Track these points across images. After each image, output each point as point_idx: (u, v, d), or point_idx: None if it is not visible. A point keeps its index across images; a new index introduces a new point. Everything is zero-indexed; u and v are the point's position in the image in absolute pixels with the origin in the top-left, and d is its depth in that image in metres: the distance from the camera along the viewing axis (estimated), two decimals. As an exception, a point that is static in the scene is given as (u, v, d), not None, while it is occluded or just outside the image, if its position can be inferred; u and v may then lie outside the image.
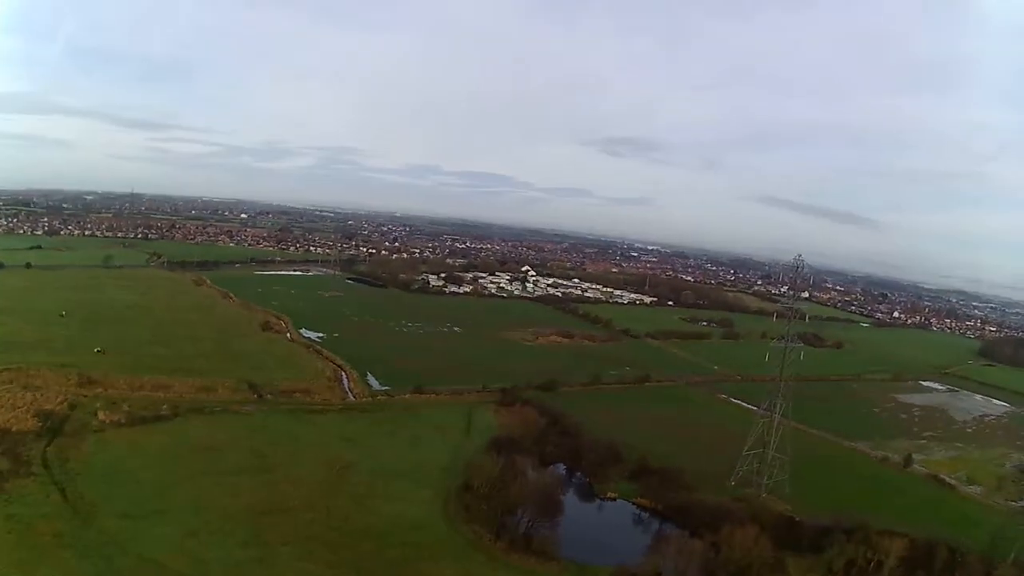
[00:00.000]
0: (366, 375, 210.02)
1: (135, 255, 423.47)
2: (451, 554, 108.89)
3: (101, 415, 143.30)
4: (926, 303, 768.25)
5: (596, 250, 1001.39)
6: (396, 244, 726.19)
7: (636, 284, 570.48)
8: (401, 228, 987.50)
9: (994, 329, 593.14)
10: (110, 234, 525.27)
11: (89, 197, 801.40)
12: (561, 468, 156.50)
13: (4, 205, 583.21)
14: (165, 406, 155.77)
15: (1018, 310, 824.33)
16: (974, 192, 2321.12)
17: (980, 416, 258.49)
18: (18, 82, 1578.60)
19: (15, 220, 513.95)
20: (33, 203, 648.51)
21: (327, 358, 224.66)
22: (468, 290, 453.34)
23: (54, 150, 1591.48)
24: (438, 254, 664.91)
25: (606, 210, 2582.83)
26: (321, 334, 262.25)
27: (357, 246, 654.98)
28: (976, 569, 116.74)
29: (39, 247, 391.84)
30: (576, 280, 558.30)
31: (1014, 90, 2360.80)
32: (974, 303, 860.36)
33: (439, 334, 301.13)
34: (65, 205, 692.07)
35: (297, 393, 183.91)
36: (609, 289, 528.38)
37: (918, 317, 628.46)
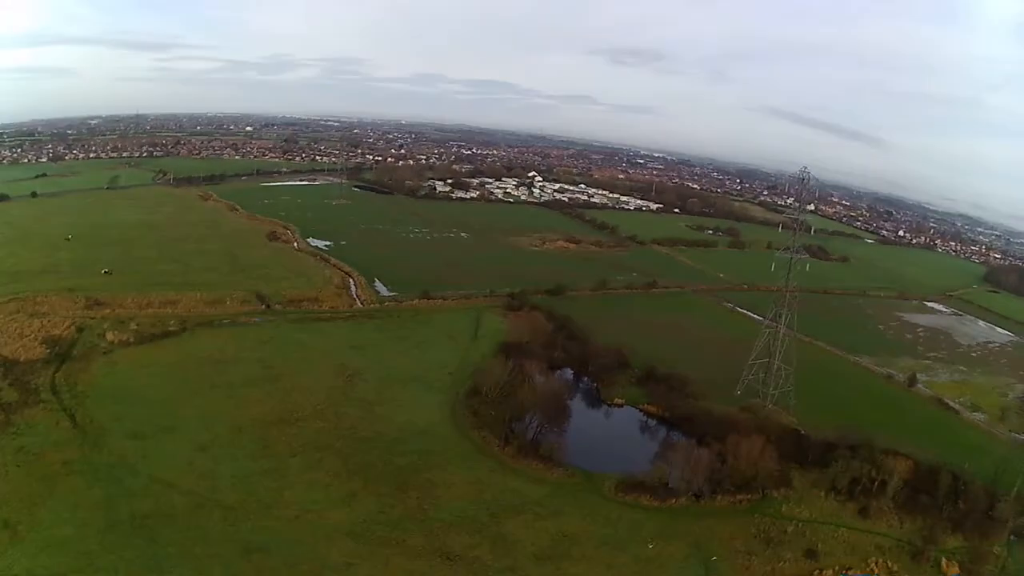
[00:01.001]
0: (373, 282, 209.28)
1: (141, 174, 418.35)
2: (459, 460, 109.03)
3: (109, 336, 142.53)
4: (931, 224, 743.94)
5: (602, 156, 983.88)
6: (402, 151, 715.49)
7: (642, 191, 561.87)
8: (407, 135, 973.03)
9: (999, 256, 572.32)
10: (115, 155, 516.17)
11: (94, 122, 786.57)
12: (568, 373, 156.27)
13: (8, 137, 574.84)
14: (173, 322, 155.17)
15: (1022, 240, 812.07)
16: (978, 120, 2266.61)
17: (984, 342, 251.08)
18: (22, 18, 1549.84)
19: (19, 151, 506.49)
20: (37, 132, 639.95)
21: (335, 266, 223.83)
22: (475, 196, 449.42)
23: (58, 79, 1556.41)
24: (444, 160, 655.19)
25: (612, 117, 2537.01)
26: (328, 242, 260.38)
27: (363, 154, 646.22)
28: (980, 499, 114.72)
29: (44, 175, 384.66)
30: (582, 186, 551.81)
31: (1019, 26, 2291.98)
32: (979, 228, 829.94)
33: (446, 240, 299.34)
34: (69, 131, 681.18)
35: (305, 302, 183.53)
36: (615, 195, 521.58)
37: (923, 237, 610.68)
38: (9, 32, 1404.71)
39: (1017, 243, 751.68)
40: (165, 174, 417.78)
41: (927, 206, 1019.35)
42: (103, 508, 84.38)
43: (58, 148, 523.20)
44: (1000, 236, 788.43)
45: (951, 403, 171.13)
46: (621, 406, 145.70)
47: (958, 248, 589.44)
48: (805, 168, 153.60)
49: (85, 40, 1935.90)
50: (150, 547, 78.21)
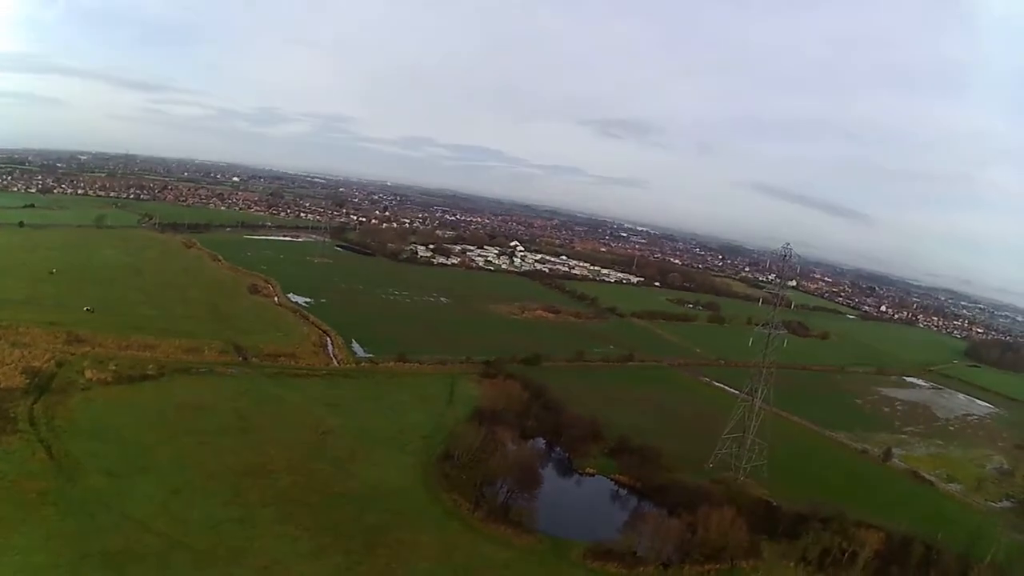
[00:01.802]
0: (351, 342, 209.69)
1: (127, 216, 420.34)
2: (429, 522, 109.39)
3: (88, 373, 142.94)
4: (914, 299, 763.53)
5: (586, 228, 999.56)
6: (386, 213, 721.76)
7: (624, 264, 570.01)
8: (392, 197, 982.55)
9: (981, 331, 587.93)
10: (103, 194, 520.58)
11: (83, 157, 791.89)
12: (541, 442, 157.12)
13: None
14: (151, 366, 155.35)
15: (1007, 313, 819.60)
16: (968, 195, 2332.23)
17: (963, 415, 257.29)
18: (19, 43, 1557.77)
19: (9, 178, 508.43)
20: (28, 162, 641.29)
21: (313, 323, 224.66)
22: (456, 262, 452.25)
23: (50, 109, 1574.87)
24: (428, 225, 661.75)
25: (597, 189, 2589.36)
26: (308, 299, 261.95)
27: (348, 213, 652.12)
28: (952, 568, 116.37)
29: (32, 205, 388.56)
30: (564, 257, 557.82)
31: (1013, 97, 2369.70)
32: (963, 303, 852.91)
33: (425, 304, 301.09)
34: (59, 164, 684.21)
35: (282, 357, 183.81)
36: (597, 268, 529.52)
37: (905, 313, 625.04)
38: (5, 52, 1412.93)
39: (1002, 316, 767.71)
40: (151, 218, 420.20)
41: (911, 281, 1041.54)
42: (76, 540, 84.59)
43: (47, 180, 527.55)
44: (984, 309, 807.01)
45: (926, 475, 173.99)
46: (593, 475, 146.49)
47: (940, 323, 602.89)
48: (787, 244, 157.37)
49: (81, 72, 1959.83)
50: (120, 584, 78.81)
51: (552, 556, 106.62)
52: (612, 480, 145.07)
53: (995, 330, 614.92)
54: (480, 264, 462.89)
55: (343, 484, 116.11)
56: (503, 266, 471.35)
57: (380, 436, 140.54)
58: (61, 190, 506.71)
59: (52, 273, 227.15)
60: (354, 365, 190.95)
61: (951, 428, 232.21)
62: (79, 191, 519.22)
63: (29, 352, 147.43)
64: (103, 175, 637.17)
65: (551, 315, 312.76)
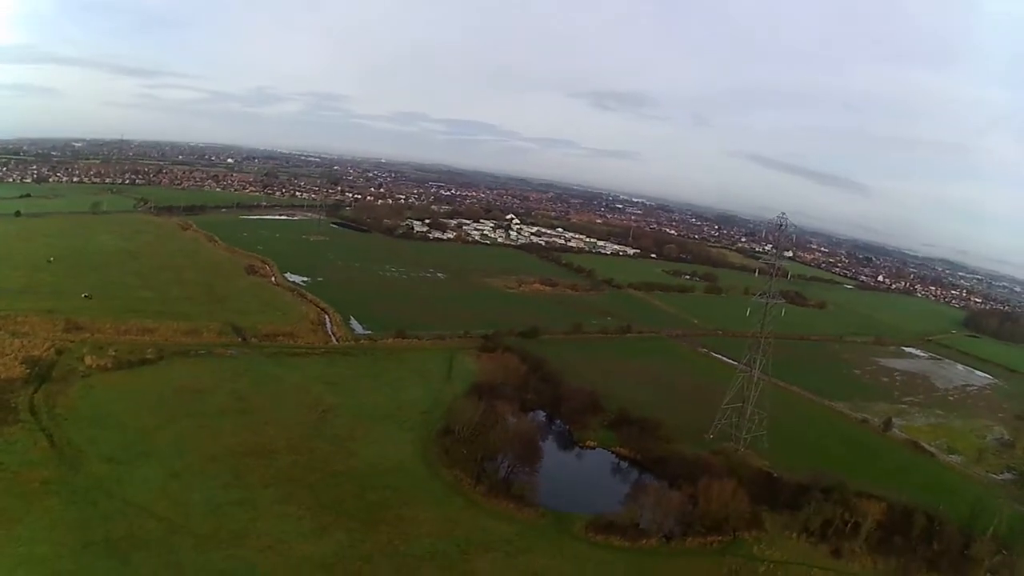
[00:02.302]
0: (349, 319, 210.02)
1: (123, 201, 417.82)
2: (430, 498, 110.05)
3: (88, 360, 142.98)
4: (911, 269, 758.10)
5: (581, 201, 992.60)
6: (381, 190, 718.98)
7: (620, 236, 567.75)
8: (387, 174, 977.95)
9: (979, 300, 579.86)
10: (98, 180, 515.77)
11: (78, 144, 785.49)
12: (541, 415, 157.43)
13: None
14: (150, 350, 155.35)
15: (1004, 283, 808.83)
16: (965, 165, 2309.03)
17: (962, 386, 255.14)
18: (17, 35, 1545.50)
19: (4, 169, 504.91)
20: (23, 152, 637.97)
21: (311, 302, 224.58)
22: (452, 236, 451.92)
23: (46, 99, 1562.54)
24: (423, 200, 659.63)
25: (593, 161, 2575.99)
26: (305, 278, 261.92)
27: (343, 191, 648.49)
28: (954, 539, 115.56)
29: (28, 195, 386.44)
30: (560, 229, 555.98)
31: (1008, 68, 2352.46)
32: (960, 273, 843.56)
33: (422, 280, 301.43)
34: (54, 153, 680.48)
35: (280, 336, 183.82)
36: (593, 239, 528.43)
37: (903, 283, 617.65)
38: (4, 42, 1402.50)
39: (999, 287, 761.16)
40: (147, 202, 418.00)
41: (908, 252, 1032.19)
42: (79, 529, 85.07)
43: (42, 169, 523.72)
44: (982, 280, 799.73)
45: (927, 446, 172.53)
46: (593, 448, 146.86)
47: (938, 293, 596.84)
48: (783, 214, 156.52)
49: (75, 61, 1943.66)
50: (124, 569, 79.21)
51: (554, 530, 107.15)
52: (612, 452, 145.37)
53: (993, 300, 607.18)
54: (476, 238, 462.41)
55: (343, 462, 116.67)
56: (499, 240, 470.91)
57: (379, 413, 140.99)
58: (56, 178, 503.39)
59: (50, 261, 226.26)
60: (353, 343, 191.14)
61: (950, 399, 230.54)
62: (74, 179, 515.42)
63: (28, 341, 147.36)
64: (98, 162, 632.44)
65: (548, 288, 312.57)
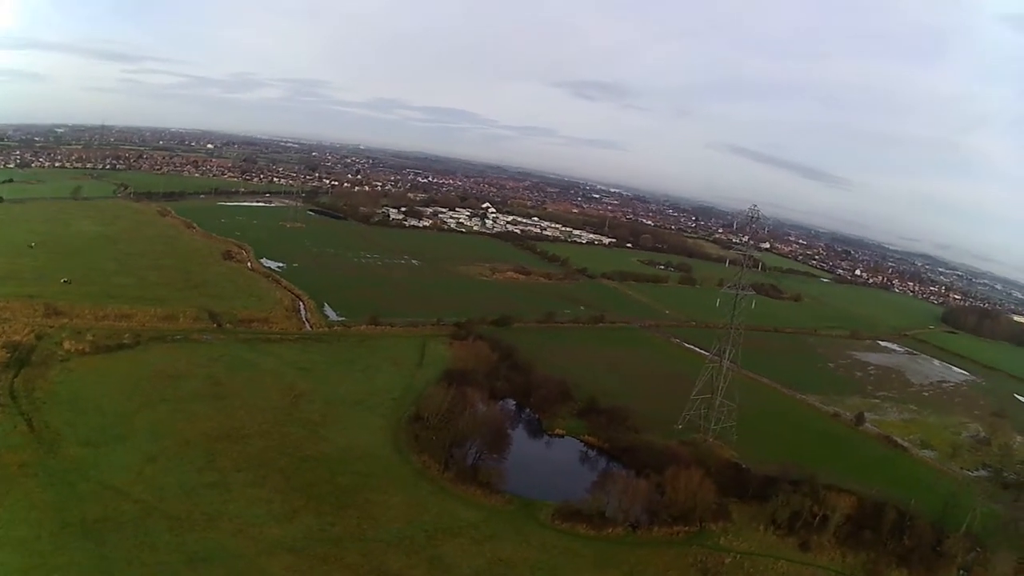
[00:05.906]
0: (323, 306, 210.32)
1: (103, 186, 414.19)
2: (399, 483, 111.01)
3: (66, 345, 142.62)
4: (890, 264, 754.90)
5: (558, 190, 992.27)
6: (359, 177, 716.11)
7: (596, 225, 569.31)
8: (364, 161, 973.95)
9: (959, 297, 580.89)
10: (79, 165, 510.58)
11: (60, 130, 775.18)
12: (511, 403, 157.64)
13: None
14: (127, 335, 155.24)
15: (985, 280, 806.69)
16: (948, 161, 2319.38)
17: (938, 382, 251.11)
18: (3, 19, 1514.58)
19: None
20: (7, 137, 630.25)
21: (286, 288, 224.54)
22: (428, 224, 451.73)
23: (30, 84, 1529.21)
24: (400, 188, 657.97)
25: (571, 150, 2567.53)
26: (281, 264, 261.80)
27: (320, 178, 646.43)
28: (926, 535, 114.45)
29: (11, 180, 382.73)
30: (536, 218, 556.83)
31: (994, 65, 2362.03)
32: (940, 269, 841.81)
33: (397, 267, 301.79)
34: (37, 138, 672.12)
35: (255, 322, 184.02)
36: (568, 229, 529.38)
37: (880, 277, 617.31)
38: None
39: (979, 283, 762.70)
40: (126, 188, 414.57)
41: (887, 246, 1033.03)
42: (56, 511, 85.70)
43: (25, 155, 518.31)
44: (962, 276, 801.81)
45: (900, 441, 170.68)
46: (562, 436, 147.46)
47: (916, 288, 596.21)
48: (754, 206, 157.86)
49: (57, 46, 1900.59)
50: (100, 550, 79.93)
51: (521, 516, 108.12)
52: (581, 441, 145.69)
53: (973, 297, 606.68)
54: (452, 226, 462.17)
55: (315, 447, 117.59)
56: (475, 228, 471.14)
57: (351, 399, 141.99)
58: (39, 164, 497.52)
59: (31, 247, 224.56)
60: (326, 329, 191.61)
61: (925, 394, 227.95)
62: (56, 164, 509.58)
63: (9, 326, 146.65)
64: (79, 147, 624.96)
65: (522, 276, 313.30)
